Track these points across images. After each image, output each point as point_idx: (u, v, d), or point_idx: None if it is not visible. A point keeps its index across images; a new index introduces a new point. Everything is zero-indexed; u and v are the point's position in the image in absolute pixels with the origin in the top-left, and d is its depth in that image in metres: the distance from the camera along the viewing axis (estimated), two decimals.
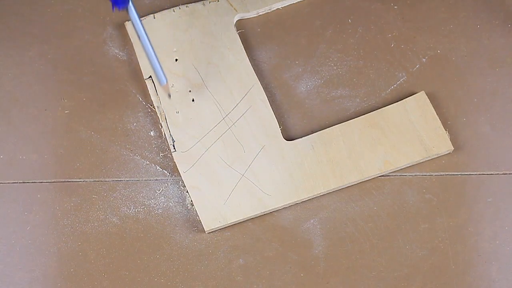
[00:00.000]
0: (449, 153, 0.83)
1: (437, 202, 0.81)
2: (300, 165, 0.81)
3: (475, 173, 0.82)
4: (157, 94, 0.85)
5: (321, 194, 0.81)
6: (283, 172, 0.81)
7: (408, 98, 0.85)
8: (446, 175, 0.82)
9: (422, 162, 0.82)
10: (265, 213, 0.80)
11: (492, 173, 0.82)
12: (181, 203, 0.81)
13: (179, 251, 0.79)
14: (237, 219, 0.79)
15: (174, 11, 0.89)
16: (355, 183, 0.81)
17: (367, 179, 0.81)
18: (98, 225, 0.80)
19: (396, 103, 0.85)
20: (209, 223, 0.79)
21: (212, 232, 0.79)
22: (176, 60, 0.87)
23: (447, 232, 0.80)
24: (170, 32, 0.88)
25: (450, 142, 0.82)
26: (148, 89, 0.85)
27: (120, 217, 0.80)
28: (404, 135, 0.83)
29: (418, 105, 0.84)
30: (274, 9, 0.91)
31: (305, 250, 0.79)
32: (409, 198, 0.81)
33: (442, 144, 0.82)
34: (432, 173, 0.82)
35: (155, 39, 0.88)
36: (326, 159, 0.81)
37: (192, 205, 0.80)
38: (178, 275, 0.78)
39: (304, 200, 0.81)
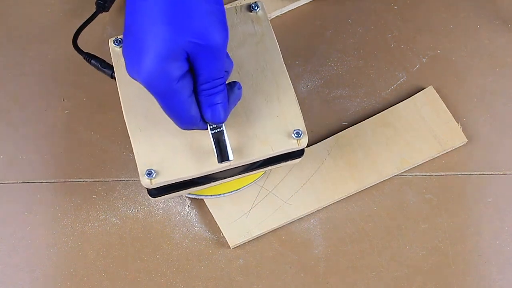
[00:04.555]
0: (449, 153, 0.83)
1: (437, 202, 0.81)
2: (318, 171, 0.81)
3: (475, 173, 0.82)
4: None
5: (342, 198, 0.80)
6: (302, 180, 0.80)
7: (417, 94, 0.85)
8: (446, 175, 0.82)
9: (423, 162, 0.82)
10: (288, 222, 0.80)
11: (492, 173, 0.82)
12: (181, 203, 0.81)
13: (179, 251, 0.79)
14: (261, 232, 0.78)
15: None
16: (374, 183, 0.81)
17: (386, 178, 0.81)
18: (98, 225, 0.80)
19: (406, 100, 0.85)
20: (234, 239, 0.78)
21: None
22: None
23: (447, 232, 0.80)
24: None
25: (463, 134, 0.83)
26: None
27: (120, 217, 0.80)
28: (417, 131, 0.83)
29: (428, 100, 0.84)
30: (274, 17, 0.91)
31: (305, 250, 0.79)
32: (409, 198, 0.81)
33: (456, 137, 0.83)
34: (432, 173, 0.82)
35: None
36: (343, 163, 0.81)
37: (192, 207, 0.80)
38: (178, 275, 0.78)
39: (326, 206, 0.80)
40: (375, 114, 0.84)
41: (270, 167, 0.73)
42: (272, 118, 0.70)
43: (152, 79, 0.60)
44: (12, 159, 0.83)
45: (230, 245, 0.78)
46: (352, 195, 0.81)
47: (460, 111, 0.85)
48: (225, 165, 0.67)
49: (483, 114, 0.85)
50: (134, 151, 0.69)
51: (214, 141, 0.66)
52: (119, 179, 0.82)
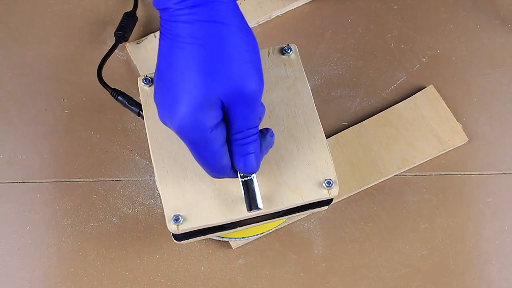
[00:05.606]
0: (449, 152, 0.83)
1: (437, 202, 0.81)
2: None
3: (475, 173, 0.82)
4: None
5: (343, 198, 0.80)
6: None
7: (417, 93, 0.85)
8: (446, 175, 0.82)
9: (424, 162, 0.82)
10: (290, 223, 0.79)
11: (492, 173, 0.83)
12: None
13: (179, 251, 0.79)
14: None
15: None
16: (375, 183, 0.81)
17: (386, 178, 0.81)
18: (98, 225, 0.80)
19: (406, 99, 0.85)
20: (236, 240, 0.78)
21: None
22: None
23: (447, 232, 0.80)
24: None
25: (464, 133, 0.83)
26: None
27: (120, 217, 0.80)
28: (418, 130, 0.83)
29: (428, 99, 0.85)
30: (274, 16, 0.91)
31: (305, 250, 0.79)
32: (409, 198, 0.81)
33: (456, 136, 0.83)
34: (432, 173, 0.82)
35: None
36: (344, 163, 0.81)
37: None
38: (178, 275, 0.78)
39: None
40: (375, 114, 0.84)
41: (297, 214, 0.71)
42: (302, 165, 0.67)
43: (186, 128, 0.58)
44: (12, 159, 0.83)
45: (233, 247, 0.78)
46: (352, 195, 0.81)
47: (460, 111, 0.85)
48: (253, 214, 0.65)
49: (483, 114, 0.85)
50: (161, 194, 0.67)
51: (244, 189, 0.64)
52: (119, 179, 0.82)
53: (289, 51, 0.71)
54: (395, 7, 0.91)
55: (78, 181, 0.82)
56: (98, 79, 0.82)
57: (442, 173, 0.82)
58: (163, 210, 0.80)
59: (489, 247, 0.79)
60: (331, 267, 0.78)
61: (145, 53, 0.87)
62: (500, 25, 0.90)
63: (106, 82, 0.82)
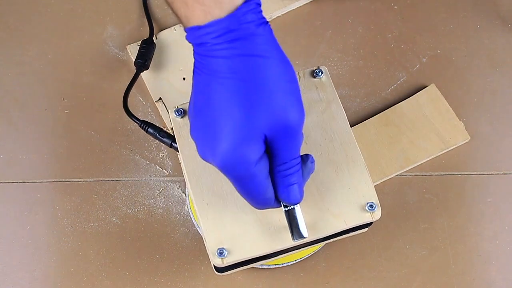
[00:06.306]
0: (449, 152, 0.83)
1: (437, 202, 0.81)
2: None
3: (475, 173, 0.82)
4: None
5: None
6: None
7: (419, 92, 0.85)
8: (446, 175, 0.82)
9: (424, 162, 0.82)
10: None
11: (492, 173, 0.83)
12: (181, 203, 0.81)
13: (179, 251, 0.79)
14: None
15: (175, 30, 0.88)
16: (378, 183, 0.81)
17: (389, 177, 0.81)
18: (98, 225, 0.80)
19: (408, 98, 0.85)
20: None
21: None
22: (184, 79, 0.85)
23: (447, 232, 0.80)
24: (174, 50, 0.87)
25: (466, 132, 0.83)
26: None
27: (120, 217, 0.80)
28: (420, 130, 0.83)
29: (430, 98, 0.85)
30: (275, 17, 0.91)
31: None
32: (409, 198, 0.81)
33: (458, 135, 0.83)
34: (432, 173, 0.82)
35: (160, 59, 0.86)
36: None
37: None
38: (178, 275, 0.78)
39: None
40: (376, 114, 0.84)
41: (337, 238, 0.70)
42: (343, 190, 0.66)
43: (230, 164, 0.56)
44: (12, 159, 0.83)
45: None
46: None
47: (460, 111, 0.85)
48: (298, 242, 0.63)
49: (483, 114, 0.85)
50: (202, 227, 0.65)
51: (287, 219, 0.62)
52: (119, 179, 0.82)
53: (320, 73, 0.70)
54: (395, 7, 0.91)
55: (78, 181, 0.82)
56: (125, 111, 0.79)
57: (442, 173, 0.82)
58: (163, 210, 0.81)
59: (489, 247, 0.79)
60: (331, 267, 0.78)
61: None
62: (500, 25, 0.90)
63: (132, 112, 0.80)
